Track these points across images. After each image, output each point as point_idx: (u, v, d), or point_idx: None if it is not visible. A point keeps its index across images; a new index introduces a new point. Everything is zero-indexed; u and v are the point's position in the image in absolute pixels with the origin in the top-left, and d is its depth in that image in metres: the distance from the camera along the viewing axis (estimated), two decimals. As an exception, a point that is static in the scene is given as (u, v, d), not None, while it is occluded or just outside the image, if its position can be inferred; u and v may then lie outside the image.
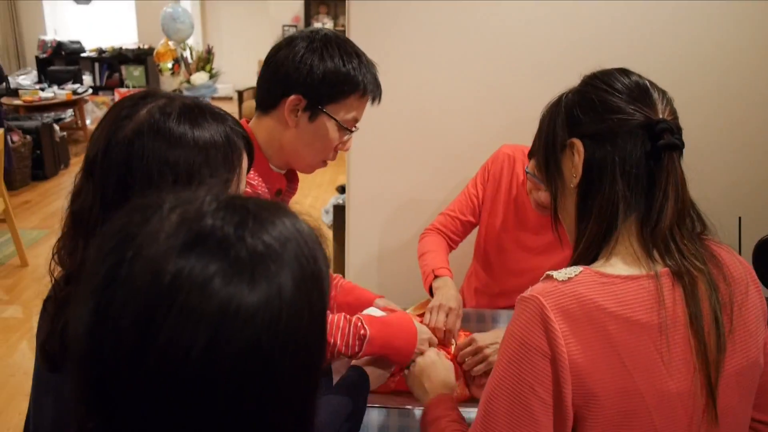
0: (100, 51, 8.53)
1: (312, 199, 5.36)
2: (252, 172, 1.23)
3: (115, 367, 0.50)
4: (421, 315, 1.52)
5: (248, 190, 1.21)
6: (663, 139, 0.86)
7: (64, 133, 6.42)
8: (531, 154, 1.54)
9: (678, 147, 0.87)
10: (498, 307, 1.80)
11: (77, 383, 0.53)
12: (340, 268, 2.43)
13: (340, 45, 1.25)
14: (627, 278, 0.85)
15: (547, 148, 0.99)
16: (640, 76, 0.95)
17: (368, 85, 1.27)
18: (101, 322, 0.51)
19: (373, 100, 1.31)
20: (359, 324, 1.26)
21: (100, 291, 0.51)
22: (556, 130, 0.97)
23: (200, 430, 0.51)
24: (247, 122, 1.31)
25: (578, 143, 0.92)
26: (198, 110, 0.86)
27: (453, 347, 1.45)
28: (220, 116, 0.89)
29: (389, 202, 2.21)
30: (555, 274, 0.87)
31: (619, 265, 0.87)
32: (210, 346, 0.50)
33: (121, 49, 8.51)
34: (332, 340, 1.24)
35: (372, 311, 1.43)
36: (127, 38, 8.77)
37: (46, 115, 6.41)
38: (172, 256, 0.51)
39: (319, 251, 0.59)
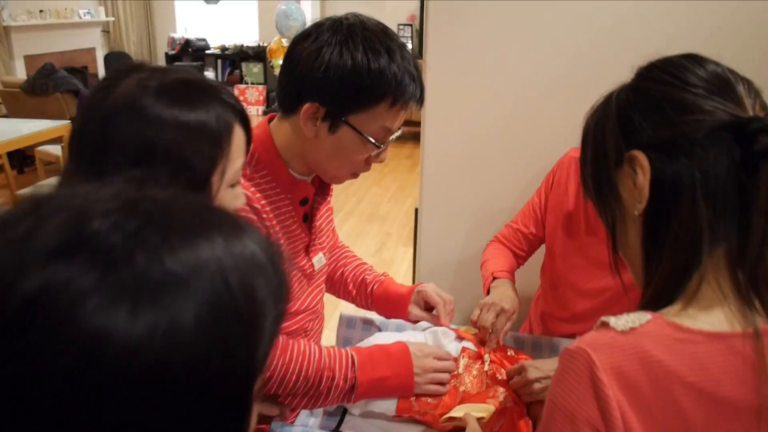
0: (224, 48, 8.90)
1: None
2: (246, 181, 1.11)
3: None
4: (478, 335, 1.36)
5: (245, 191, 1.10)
6: (758, 143, 0.64)
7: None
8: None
9: None
10: (568, 334, 1.58)
11: None
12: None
13: (367, 37, 1.03)
14: (712, 336, 0.64)
15: (596, 165, 0.78)
16: (716, 63, 0.73)
17: (401, 89, 1.04)
18: None
19: (412, 105, 1.08)
20: (345, 378, 1.14)
21: None
22: (606, 141, 0.76)
23: None
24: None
25: (641, 157, 0.71)
26: (183, 84, 0.76)
27: (487, 355, 1.28)
28: (210, 91, 0.78)
29: (463, 208, 2.04)
30: (613, 321, 0.67)
31: (701, 317, 0.66)
32: (70, 383, 0.38)
33: (242, 46, 8.83)
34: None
35: (379, 339, 1.30)
36: (250, 36, 9.08)
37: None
38: (39, 263, 0.39)
39: (261, 280, 0.46)
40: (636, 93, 0.75)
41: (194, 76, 0.80)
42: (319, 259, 1.30)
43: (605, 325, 0.68)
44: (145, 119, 0.72)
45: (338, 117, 1.06)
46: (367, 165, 1.16)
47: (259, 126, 1.16)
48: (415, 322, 1.38)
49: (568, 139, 1.71)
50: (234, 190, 0.84)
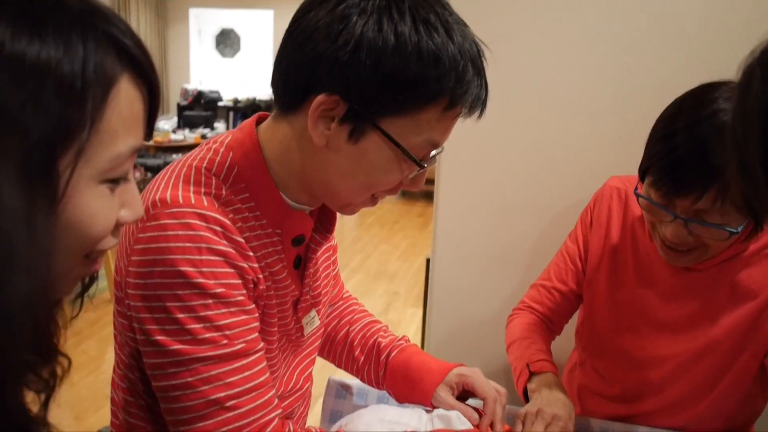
0: (236, 101, 8.83)
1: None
2: (221, 206, 0.79)
3: None
4: None
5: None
6: None
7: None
8: (648, 172, 1.01)
9: None
10: (616, 416, 1.25)
11: None
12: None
13: (417, 4, 0.73)
14: None
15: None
16: None
17: (462, 86, 0.75)
18: None
19: (472, 111, 0.79)
20: None
21: None
22: None
23: None
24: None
25: None
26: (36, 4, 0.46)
27: None
28: (80, 16, 0.47)
29: (481, 256, 1.74)
30: None
31: None
32: None
33: (255, 99, 8.76)
34: None
35: (372, 415, 0.97)
36: (263, 89, 9.02)
37: (174, 155, 6.60)
38: None
39: None
40: None
41: None
42: (310, 320, 0.98)
43: None
44: None
45: (366, 119, 0.75)
46: (394, 190, 0.84)
47: (242, 128, 0.86)
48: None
49: (588, 177, 1.45)
50: (107, 190, 0.52)
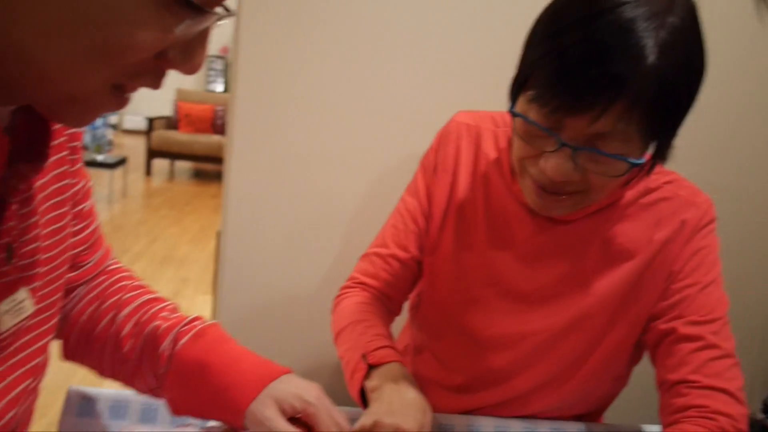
0: None
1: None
2: None
3: None
4: None
5: None
6: None
7: None
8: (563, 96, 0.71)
9: None
10: (461, 411, 1.00)
11: None
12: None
13: None
14: None
15: None
16: None
17: None
18: None
19: None
20: None
21: None
22: None
23: None
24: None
25: None
26: None
27: None
28: None
29: (283, 229, 1.42)
30: None
31: None
32: None
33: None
34: None
35: None
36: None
37: None
38: None
39: None
40: None
41: None
42: (14, 306, 0.56)
43: None
44: None
45: None
46: (155, 71, 0.48)
47: None
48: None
49: (426, 122, 1.21)
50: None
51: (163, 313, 0.75)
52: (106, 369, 0.76)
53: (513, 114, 0.78)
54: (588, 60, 0.68)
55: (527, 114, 0.76)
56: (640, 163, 0.75)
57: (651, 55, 0.67)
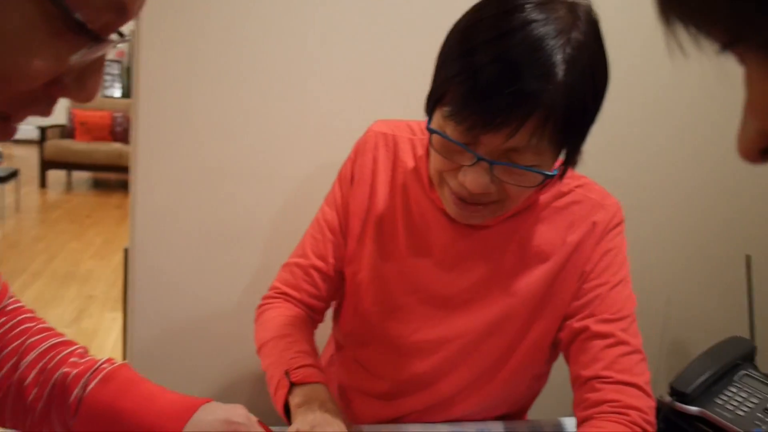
0: None
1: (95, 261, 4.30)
2: None
3: None
4: None
5: None
6: None
7: None
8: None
9: None
10: (387, 419, 1.01)
11: None
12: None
13: None
14: None
15: None
16: None
17: None
18: None
19: None
20: None
21: None
22: None
23: None
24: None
25: None
26: None
27: None
28: None
29: (202, 236, 1.38)
30: None
31: None
32: None
33: None
34: None
35: None
36: None
37: None
38: None
39: None
40: None
41: None
42: None
43: None
44: None
45: None
46: (44, 97, 0.43)
47: None
48: None
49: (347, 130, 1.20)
50: None
51: (72, 359, 0.71)
52: (7, 419, 0.71)
53: (430, 131, 0.79)
54: (501, 79, 0.70)
55: (444, 129, 0.77)
56: (553, 175, 0.78)
57: (560, 72, 0.70)
